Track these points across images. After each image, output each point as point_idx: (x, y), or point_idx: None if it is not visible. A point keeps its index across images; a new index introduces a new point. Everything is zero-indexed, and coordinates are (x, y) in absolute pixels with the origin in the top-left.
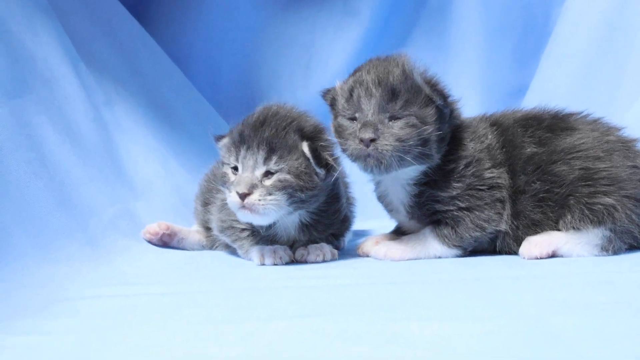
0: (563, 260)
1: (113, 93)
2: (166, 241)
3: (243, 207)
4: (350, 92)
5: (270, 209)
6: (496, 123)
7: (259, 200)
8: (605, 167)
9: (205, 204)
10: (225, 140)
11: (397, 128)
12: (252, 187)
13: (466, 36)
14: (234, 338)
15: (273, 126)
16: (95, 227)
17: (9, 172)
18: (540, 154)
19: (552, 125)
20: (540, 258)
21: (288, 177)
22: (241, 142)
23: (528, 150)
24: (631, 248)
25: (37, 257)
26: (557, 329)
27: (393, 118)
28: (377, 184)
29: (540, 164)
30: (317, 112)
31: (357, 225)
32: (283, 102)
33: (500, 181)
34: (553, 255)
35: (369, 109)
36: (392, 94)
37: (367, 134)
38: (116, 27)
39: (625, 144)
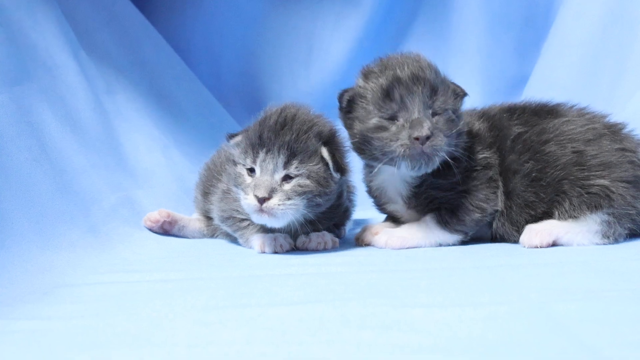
0: (564, 248)
1: (114, 82)
2: (167, 229)
3: (260, 210)
4: (388, 91)
5: (288, 213)
6: (483, 115)
7: (278, 204)
8: (595, 153)
9: (206, 193)
10: (239, 140)
11: (441, 124)
12: (272, 192)
13: (467, 26)
14: (235, 323)
15: (294, 130)
16: (97, 214)
17: (10, 159)
18: (529, 133)
19: (537, 110)
20: (541, 247)
21: (307, 182)
22: (260, 144)
23: (515, 129)
24: (632, 235)
25: (38, 243)
26: (559, 315)
27: (435, 114)
28: (371, 178)
29: (530, 143)
30: (318, 101)
31: (357, 214)
32: (296, 101)
33: (491, 161)
34: (554, 245)
35: (414, 107)
36: (431, 90)
37: (425, 131)
38: (118, 16)
39: (611, 129)
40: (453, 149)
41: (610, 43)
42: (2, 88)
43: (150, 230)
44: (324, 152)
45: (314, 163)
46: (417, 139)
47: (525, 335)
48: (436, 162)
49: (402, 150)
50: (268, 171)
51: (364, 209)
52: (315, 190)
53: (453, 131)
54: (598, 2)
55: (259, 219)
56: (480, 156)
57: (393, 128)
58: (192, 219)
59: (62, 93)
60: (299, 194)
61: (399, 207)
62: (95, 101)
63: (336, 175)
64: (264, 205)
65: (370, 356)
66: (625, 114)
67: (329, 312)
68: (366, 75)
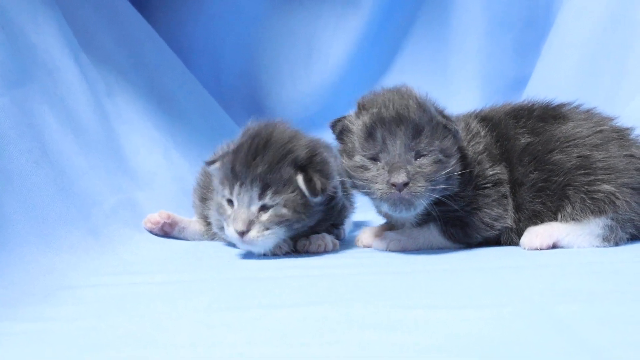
0: (565, 250)
1: (115, 84)
2: (167, 231)
3: (242, 240)
4: (371, 130)
5: (267, 242)
6: (486, 118)
7: (257, 236)
8: (602, 158)
9: (203, 199)
10: (217, 166)
11: (425, 167)
12: (250, 224)
13: (467, 28)
14: (237, 325)
15: (266, 161)
16: (97, 216)
17: (11, 161)
18: (535, 143)
19: (543, 115)
20: (541, 249)
21: (284, 211)
22: (234, 177)
23: (522, 141)
24: (633, 238)
25: (39, 245)
26: (561, 317)
27: (418, 155)
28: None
29: (536, 153)
30: (317, 102)
31: (358, 216)
32: (273, 118)
33: (502, 176)
34: (554, 247)
35: (395, 149)
36: (415, 131)
37: (401, 178)
38: (118, 18)
39: (619, 133)
40: (438, 194)
41: (611, 44)
42: (3, 90)
43: (151, 232)
44: (299, 180)
45: (289, 191)
46: (394, 184)
47: (528, 336)
48: (418, 207)
49: (380, 194)
50: (244, 204)
51: (364, 211)
52: (292, 217)
53: (440, 174)
54: (598, 2)
55: (243, 247)
56: (490, 172)
57: (374, 169)
58: (193, 221)
59: (62, 95)
60: (277, 224)
61: (405, 228)
62: (96, 103)
63: (316, 200)
64: (244, 238)
65: (373, 357)
66: (627, 114)
67: (330, 313)
68: (358, 109)
